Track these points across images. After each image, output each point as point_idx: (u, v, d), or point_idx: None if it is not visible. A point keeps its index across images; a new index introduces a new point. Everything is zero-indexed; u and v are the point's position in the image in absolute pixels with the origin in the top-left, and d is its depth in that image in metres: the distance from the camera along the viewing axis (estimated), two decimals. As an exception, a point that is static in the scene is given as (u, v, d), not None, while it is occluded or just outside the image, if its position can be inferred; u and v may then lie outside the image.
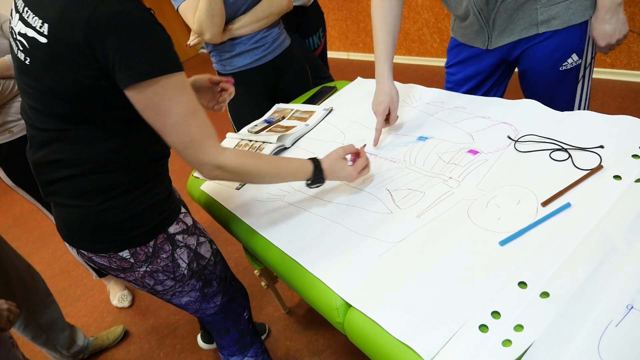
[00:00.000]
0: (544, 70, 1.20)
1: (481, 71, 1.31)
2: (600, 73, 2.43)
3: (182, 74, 0.85)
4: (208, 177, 0.94)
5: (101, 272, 2.30)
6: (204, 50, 6.09)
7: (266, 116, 1.60)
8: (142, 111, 0.84)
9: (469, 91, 1.36)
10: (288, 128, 1.46)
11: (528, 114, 1.10)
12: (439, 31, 3.18)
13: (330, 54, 4.05)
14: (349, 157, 1.08)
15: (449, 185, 0.99)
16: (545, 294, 0.70)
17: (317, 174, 1.04)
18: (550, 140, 0.99)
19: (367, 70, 3.68)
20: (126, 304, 2.31)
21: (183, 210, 1.08)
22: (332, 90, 1.64)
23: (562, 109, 1.13)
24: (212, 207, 1.31)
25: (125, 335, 2.12)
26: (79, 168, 0.91)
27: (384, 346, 0.75)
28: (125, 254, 0.98)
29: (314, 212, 1.07)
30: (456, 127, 1.16)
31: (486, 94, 1.35)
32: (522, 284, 0.73)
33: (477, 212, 0.89)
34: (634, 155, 0.87)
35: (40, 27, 0.82)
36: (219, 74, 1.68)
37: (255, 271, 1.67)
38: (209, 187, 1.36)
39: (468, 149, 1.06)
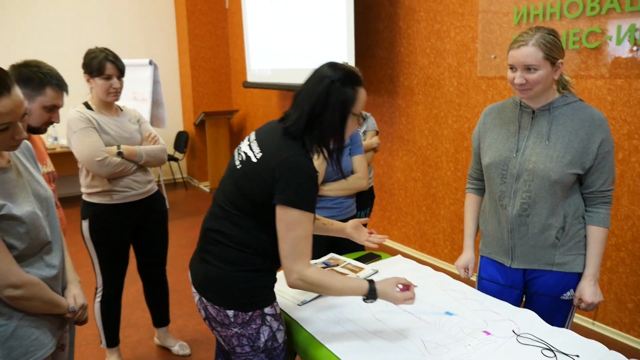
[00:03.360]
0: (547, 296, 1.67)
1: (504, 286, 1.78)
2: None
3: (310, 214, 1.32)
4: (291, 283, 1.35)
5: (112, 342, 2.48)
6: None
7: (324, 259, 2.03)
8: (277, 222, 1.32)
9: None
10: (342, 274, 1.87)
11: (528, 320, 1.52)
12: (452, 241, 3.76)
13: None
14: (400, 286, 1.44)
15: (468, 350, 1.36)
16: None
17: (371, 293, 1.39)
18: (542, 341, 1.39)
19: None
20: (120, 383, 2.44)
21: (277, 301, 1.46)
22: (378, 257, 2.10)
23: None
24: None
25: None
26: (231, 242, 1.37)
27: None
28: (230, 312, 1.36)
29: (365, 334, 1.43)
30: (475, 313, 1.57)
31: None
32: None
33: (487, 372, 1.25)
34: (599, 368, 1.27)
35: (257, 153, 1.36)
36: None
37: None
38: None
39: (483, 329, 1.46)
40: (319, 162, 1.99)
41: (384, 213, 4.45)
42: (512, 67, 1.57)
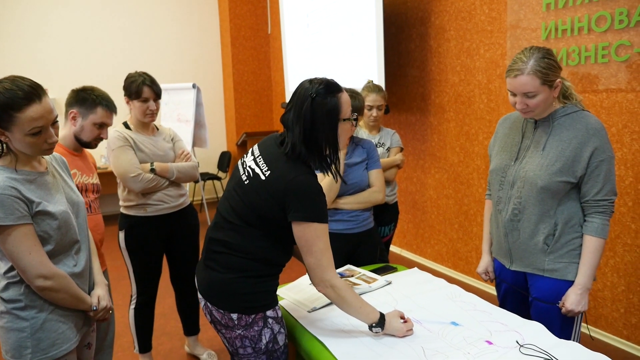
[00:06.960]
0: (543, 302, 1.67)
1: (508, 286, 1.80)
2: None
3: (326, 225, 1.40)
4: (321, 290, 1.44)
5: (145, 347, 2.62)
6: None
7: (339, 270, 2.08)
8: (297, 238, 1.38)
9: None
10: (355, 284, 1.92)
11: (534, 331, 1.50)
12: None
13: (386, 245, 4.61)
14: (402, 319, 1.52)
15: (467, 358, 1.37)
16: None
17: (380, 323, 1.47)
18: (544, 352, 1.38)
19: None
20: (151, 386, 2.56)
21: (279, 305, 1.54)
22: (393, 269, 2.12)
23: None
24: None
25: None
26: (234, 250, 1.45)
27: None
28: (234, 315, 1.43)
29: (368, 341, 1.48)
30: (481, 324, 1.57)
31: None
32: None
33: (482, 380, 1.26)
34: (599, 380, 1.25)
35: (265, 171, 1.42)
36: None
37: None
38: (286, 303, 1.80)
39: (486, 339, 1.46)
40: (329, 179, 2.07)
41: (417, 230, 4.43)
42: (512, 93, 1.61)
